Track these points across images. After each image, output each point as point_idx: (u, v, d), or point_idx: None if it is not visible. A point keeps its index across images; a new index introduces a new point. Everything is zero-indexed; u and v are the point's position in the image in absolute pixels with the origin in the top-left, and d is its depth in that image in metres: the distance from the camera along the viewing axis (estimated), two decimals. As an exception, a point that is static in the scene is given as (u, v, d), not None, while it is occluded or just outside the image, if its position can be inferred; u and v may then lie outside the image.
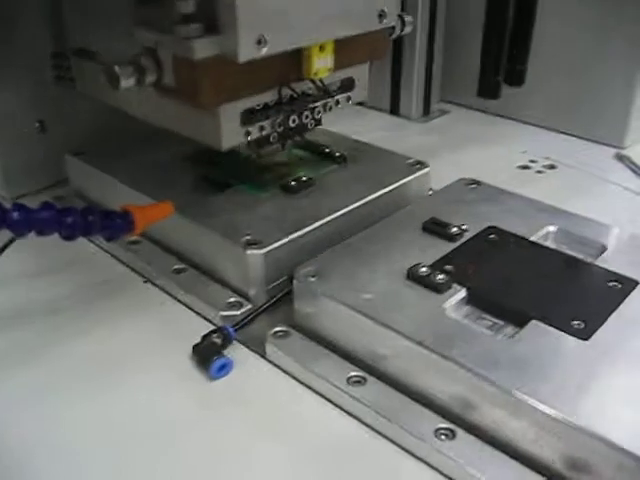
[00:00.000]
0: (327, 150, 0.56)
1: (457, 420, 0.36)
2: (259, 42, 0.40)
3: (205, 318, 0.46)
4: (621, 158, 0.69)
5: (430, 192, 0.57)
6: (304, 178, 0.52)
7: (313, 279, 0.42)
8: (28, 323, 0.46)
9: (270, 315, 0.45)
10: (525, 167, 0.67)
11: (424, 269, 0.41)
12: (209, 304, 0.45)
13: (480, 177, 0.55)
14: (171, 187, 0.52)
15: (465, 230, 0.46)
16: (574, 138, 0.73)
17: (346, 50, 0.47)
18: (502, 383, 0.33)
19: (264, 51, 0.41)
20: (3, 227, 0.39)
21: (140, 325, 0.45)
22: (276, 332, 0.42)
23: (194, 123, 0.46)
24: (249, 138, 0.46)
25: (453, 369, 0.35)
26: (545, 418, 0.32)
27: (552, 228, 0.47)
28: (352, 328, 0.40)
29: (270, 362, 0.42)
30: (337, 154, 0.56)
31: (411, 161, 0.56)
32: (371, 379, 0.39)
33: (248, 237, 0.45)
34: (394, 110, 0.82)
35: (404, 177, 0.54)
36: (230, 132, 0.45)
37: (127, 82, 0.42)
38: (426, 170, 0.55)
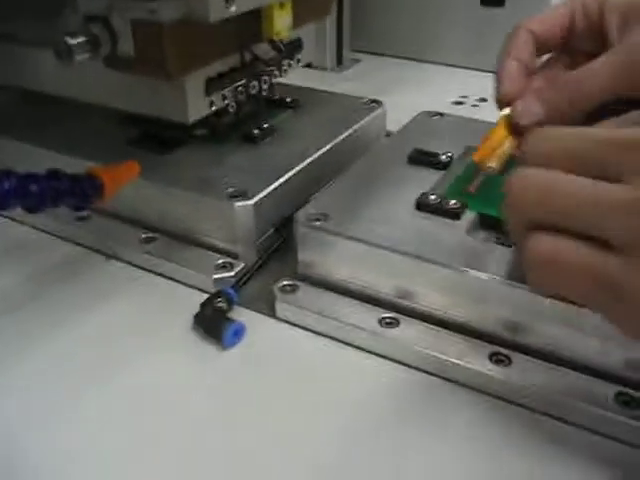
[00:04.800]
0: (276, 97, 0.52)
1: (508, 344, 0.34)
2: (227, 0, 0.37)
3: (193, 286, 0.41)
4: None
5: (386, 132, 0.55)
6: (265, 125, 0.48)
7: (319, 223, 0.38)
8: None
9: (264, 272, 0.41)
10: (459, 103, 0.66)
11: (433, 197, 0.39)
12: (195, 269, 0.40)
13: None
14: (117, 151, 0.46)
15: (452, 157, 0.44)
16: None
17: (301, 9, 0.45)
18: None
19: (233, 9, 0.37)
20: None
21: (120, 306, 0.39)
22: (284, 286, 0.39)
23: (153, 97, 0.42)
24: (213, 108, 0.43)
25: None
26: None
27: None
28: (376, 267, 0.36)
29: (284, 320, 0.38)
30: (288, 99, 0.52)
31: (365, 100, 0.53)
32: (403, 319, 0.36)
33: (231, 189, 0.41)
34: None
35: (365, 116, 0.51)
36: (195, 103, 0.42)
37: (82, 55, 0.37)
38: (383, 108, 0.53)
